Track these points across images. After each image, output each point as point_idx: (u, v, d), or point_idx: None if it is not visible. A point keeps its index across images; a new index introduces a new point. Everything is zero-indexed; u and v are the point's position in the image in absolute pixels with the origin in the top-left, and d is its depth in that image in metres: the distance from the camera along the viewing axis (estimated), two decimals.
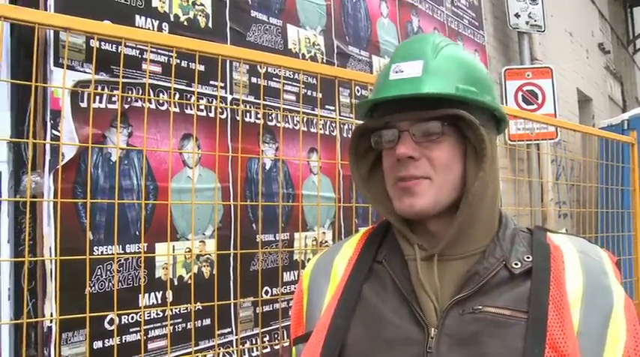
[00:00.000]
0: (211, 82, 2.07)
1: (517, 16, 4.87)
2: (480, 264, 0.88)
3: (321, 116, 2.47)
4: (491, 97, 0.92)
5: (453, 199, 0.89)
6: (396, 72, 0.89)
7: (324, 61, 2.64)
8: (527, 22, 4.91)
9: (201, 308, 1.89)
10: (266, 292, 2.16)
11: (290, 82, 2.39)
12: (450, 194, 0.88)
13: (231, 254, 2.05)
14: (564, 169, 5.73)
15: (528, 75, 4.76)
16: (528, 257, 0.89)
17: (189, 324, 1.89)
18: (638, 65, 12.58)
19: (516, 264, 0.88)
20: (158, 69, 1.93)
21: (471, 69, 0.91)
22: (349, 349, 0.88)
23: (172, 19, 2.00)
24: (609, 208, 4.00)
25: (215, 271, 1.97)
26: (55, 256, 1.57)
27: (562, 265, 0.87)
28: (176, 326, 1.90)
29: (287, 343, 1.86)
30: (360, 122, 0.98)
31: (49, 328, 1.58)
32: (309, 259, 2.08)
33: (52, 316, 1.57)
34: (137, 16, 1.89)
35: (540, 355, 0.78)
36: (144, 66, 1.85)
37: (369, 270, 0.94)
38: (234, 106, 2.14)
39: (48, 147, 1.61)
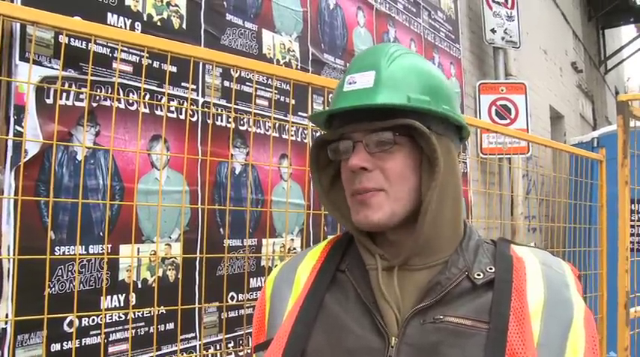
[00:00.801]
0: (183, 84, 2.05)
1: (493, 31, 4.94)
2: (442, 274, 0.88)
3: (292, 122, 2.46)
4: (449, 105, 0.91)
5: (410, 210, 0.89)
6: (350, 83, 0.90)
7: (299, 67, 2.63)
8: (502, 38, 4.98)
9: (164, 312, 1.86)
10: (231, 298, 2.13)
11: (263, 87, 2.37)
12: (406, 205, 0.88)
13: (197, 258, 2.03)
14: (535, 184, 5.80)
15: (502, 90, 4.82)
16: (491, 268, 0.89)
17: (151, 328, 1.86)
18: (609, 85, 12.85)
19: (479, 275, 0.88)
20: (129, 68, 1.90)
21: (425, 78, 0.90)
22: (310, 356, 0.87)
23: (145, 18, 1.98)
24: (578, 223, 4.05)
25: (180, 275, 1.94)
26: (14, 255, 1.52)
27: (524, 276, 0.88)
28: (138, 330, 1.86)
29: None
30: None
31: (4, 329, 1.53)
32: (276, 265, 2.06)
33: (7, 317, 1.52)
34: (109, 14, 1.86)
35: None
36: (114, 65, 1.82)
37: (332, 279, 0.94)
38: (205, 109, 2.12)
39: (10, 143, 1.57)
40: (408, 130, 0.87)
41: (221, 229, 2.14)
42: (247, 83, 2.31)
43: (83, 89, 1.71)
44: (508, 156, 4.66)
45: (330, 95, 2.56)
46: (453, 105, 0.93)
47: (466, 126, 0.96)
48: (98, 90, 1.78)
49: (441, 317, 0.84)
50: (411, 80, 0.88)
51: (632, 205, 3.84)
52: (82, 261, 1.73)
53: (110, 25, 1.84)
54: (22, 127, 1.57)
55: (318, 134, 2.57)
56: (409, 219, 0.89)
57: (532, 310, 0.84)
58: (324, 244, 1.03)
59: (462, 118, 0.94)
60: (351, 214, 0.93)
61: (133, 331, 1.83)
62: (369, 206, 0.87)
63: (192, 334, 2.03)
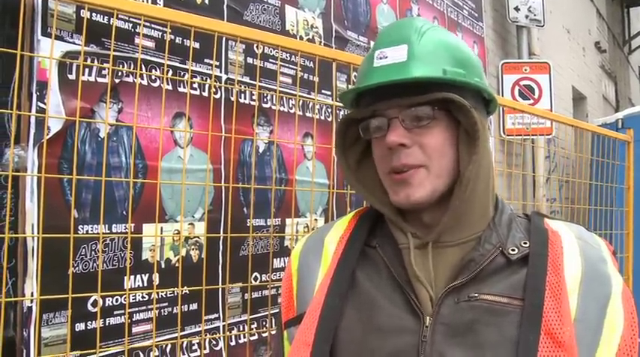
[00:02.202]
0: (206, 61, 2.01)
1: (517, 9, 4.83)
2: (476, 250, 0.85)
3: (317, 101, 2.41)
4: (480, 78, 0.90)
5: (448, 186, 0.86)
6: (380, 58, 0.87)
7: (322, 44, 2.58)
8: (526, 16, 4.86)
9: (188, 292, 1.84)
10: (255, 278, 2.11)
11: (287, 64, 2.33)
12: (446, 181, 0.86)
13: (221, 238, 2.00)
14: (557, 166, 5.71)
15: (526, 69, 4.72)
16: (525, 243, 0.86)
17: (175, 308, 1.84)
18: (633, 66, 12.60)
19: (513, 250, 0.85)
20: (151, 44, 1.86)
21: (456, 51, 0.88)
22: (341, 334, 0.85)
23: None
24: (601, 205, 3.98)
25: (204, 255, 1.91)
26: (38, 233, 1.51)
27: (560, 250, 0.85)
28: (162, 310, 1.85)
29: (275, 331, 1.82)
30: None
31: (29, 308, 1.52)
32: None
33: (32, 295, 1.51)
34: None
35: (535, 342, 0.76)
36: (136, 40, 1.79)
37: (362, 255, 0.92)
38: (229, 86, 2.08)
39: (33, 119, 1.54)
40: (444, 104, 0.85)
41: (245, 209, 2.11)
42: (271, 60, 2.26)
43: (105, 65, 1.67)
44: (532, 137, 4.57)
45: (355, 73, 2.51)
46: (483, 78, 0.92)
47: (495, 99, 0.94)
48: (120, 66, 1.75)
49: (476, 295, 0.82)
50: (443, 53, 0.86)
51: None
52: (106, 240, 1.71)
53: None
54: (45, 104, 1.54)
55: (342, 112, 2.53)
56: (443, 194, 0.87)
57: (569, 285, 0.81)
58: (352, 215, 1.00)
59: (492, 90, 0.92)
60: (382, 193, 0.91)
61: (157, 312, 1.81)
62: (409, 184, 0.85)
63: (216, 315, 2.01)
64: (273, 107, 2.23)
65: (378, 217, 0.96)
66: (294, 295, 0.96)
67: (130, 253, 1.75)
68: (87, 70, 1.67)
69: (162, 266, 1.86)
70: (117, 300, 1.72)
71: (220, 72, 2.09)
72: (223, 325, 2.01)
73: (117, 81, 1.74)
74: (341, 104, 2.44)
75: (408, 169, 0.85)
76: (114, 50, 1.64)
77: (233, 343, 2.07)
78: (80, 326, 1.63)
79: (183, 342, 1.87)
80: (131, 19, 1.78)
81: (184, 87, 1.92)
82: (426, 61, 0.84)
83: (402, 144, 0.84)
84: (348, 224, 0.97)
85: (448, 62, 0.86)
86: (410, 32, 0.87)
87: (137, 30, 1.79)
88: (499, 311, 0.80)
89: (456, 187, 0.85)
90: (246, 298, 2.07)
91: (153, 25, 1.85)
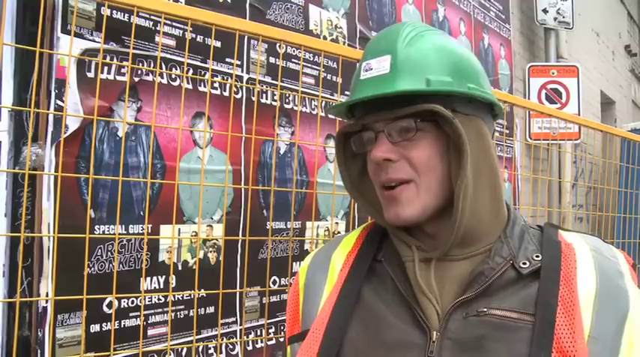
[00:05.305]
0: (227, 60, 1.98)
1: (545, 11, 4.73)
2: (486, 263, 0.82)
3: (340, 102, 2.36)
4: (475, 83, 0.84)
5: (443, 199, 0.83)
6: (366, 70, 0.84)
7: (346, 45, 2.54)
8: (555, 19, 4.76)
9: (205, 295, 1.81)
10: (274, 282, 2.07)
11: (309, 65, 2.29)
12: (437, 195, 0.83)
13: (240, 240, 1.97)
14: (582, 172, 5.60)
15: (553, 73, 4.63)
16: (537, 256, 0.83)
17: (191, 311, 1.81)
18: None
19: (524, 263, 0.82)
20: (172, 42, 1.84)
21: (446, 56, 0.84)
22: (346, 350, 0.83)
23: None
24: (629, 213, 3.87)
25: (222, 258, 1.88)
26: (54, 233, 1.49)
27: (574, 263, 0.81)
28: (178, 313, 1.82)
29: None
30: None
31: (44, 308, 1.50)
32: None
33: (47, 296, 1.49)
34: None
35: None
36: (157, 38, 1.76)
37: (369, 269, 0.89)
38: (250, 86, 2.05)
39: (51, 117, 1.53)
40: (431, 115, 0.81)
41: (264, 211, 2.07)
42: (293, 60, 2.23)
43: (125, 63, 1.65)
44: (559, 141, 4.47)
45: None
46: (480, 82, 0.86)
47: (497, 103, 0.88)
48: (140, 64, 1.72)
49: (485, 310, 0.79)
50: (430, 61, 0.82)
51: None
52: (122, 241, 1.68)
53: None
54: (63, 102, 1.52)
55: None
56: (445, 208, 0.83)
57: (583, 300, 0.77)
58: (360, 230, 0.98)
59: (490, 95, 0.87)
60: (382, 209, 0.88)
61: (173, 314, 1.79)
62: (398, 202, 0.82)
63: (233, 319, 1.97)
64: (295, 108, 2.20)
65: (385, 230, 0.94)
66: (299, 310, 0.94)
67: (147, 254, 1.73)
68: (106, 68, 1.65)
69: (179, 268, 1.83)
70: (132, 302, 1.70)
71: (242, 71, 2.06)
72: (240, 330, 1.98)
73: (136, 79, 1.72)
74: None
75: (396, 185, 0.82)
76: (134, 48, 1.62)
77: (250, 348, 2.03)
78: (95, 327, 1.61)
79: (199, 346, 1.84)
80: (151, 17, 1.76)
81: (205, 86, 1.89)
82: (409, 71, 0.81)
83: (388, 159, 0.82)
84: (356, 240, 0.95)
85: (435, 70, 0.81)
86: (395, 40, 0.83)
87: (157, 28, 1.76)
88: (509, 327, 0.77)
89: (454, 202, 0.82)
90: (264, 302, 2.03)
91: (173, 23, 1.83)
